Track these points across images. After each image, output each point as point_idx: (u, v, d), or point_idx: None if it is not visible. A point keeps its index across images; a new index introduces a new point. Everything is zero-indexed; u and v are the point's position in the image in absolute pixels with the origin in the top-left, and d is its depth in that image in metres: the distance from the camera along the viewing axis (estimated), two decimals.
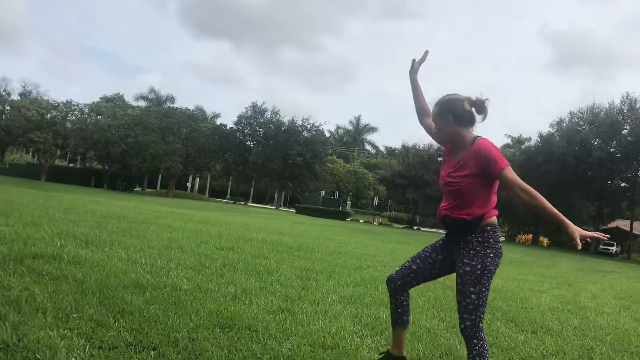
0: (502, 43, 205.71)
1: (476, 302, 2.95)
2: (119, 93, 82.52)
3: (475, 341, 2.99)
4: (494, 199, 3.08)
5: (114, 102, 76.21)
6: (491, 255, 2.98)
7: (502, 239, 45.71)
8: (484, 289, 2.96)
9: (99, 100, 76.32)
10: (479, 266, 2.96)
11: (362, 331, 4.32)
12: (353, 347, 3.82)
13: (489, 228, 3.01)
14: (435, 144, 48.13)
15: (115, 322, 3.59)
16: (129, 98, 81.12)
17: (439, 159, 54.99)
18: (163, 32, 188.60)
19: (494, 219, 3.05)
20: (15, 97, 65.55)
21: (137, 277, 5.17)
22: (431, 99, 3.29)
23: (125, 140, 56.70)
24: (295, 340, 3.76)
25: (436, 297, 6.66)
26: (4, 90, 65.58)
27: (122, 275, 5.13)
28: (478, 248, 2.98)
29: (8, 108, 58.76)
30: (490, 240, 3.00)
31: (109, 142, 57.45)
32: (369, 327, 4.46)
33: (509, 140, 73.66)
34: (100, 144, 58.20)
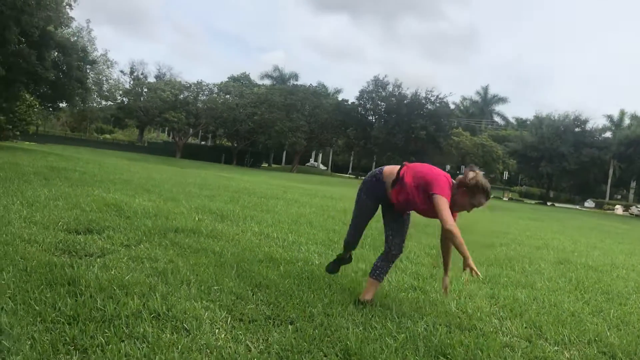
0: None
1: None
2: (245, 72, 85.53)
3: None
4: None
5: (240, 82, 79.18)
6: None
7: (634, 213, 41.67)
8: None
9: (227, 80, 79.66)
10: None
11: (500, 313, 4.12)
12: (492, 329, 3.64)
13: None
14: (572, 114, 44.62)
15: (253, 295, 3.70)
16: (255, 77, 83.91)
17: (576, 129, 51.18)
18: (282, 10, 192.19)
19: None
20: (151, 79, 70.53)
21: (270, 251, 5.32)
22: None
23: (252, 118, 58.95)
24: (431, 319, 3.65)
25: (578, 278, 6.21)
26: (142, 74, 70.78)
27: (256, 249, 5.30)
28: None
29: (146, 90, 63.25)
30: None
31: (237, 120, 60.02)
32: (507, 309, 4.24)
33: None
34: (229, 122, 60.96)
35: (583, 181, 55.43)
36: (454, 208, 3.74)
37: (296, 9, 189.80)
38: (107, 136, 76.56)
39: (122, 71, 69.26)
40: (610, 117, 62.59)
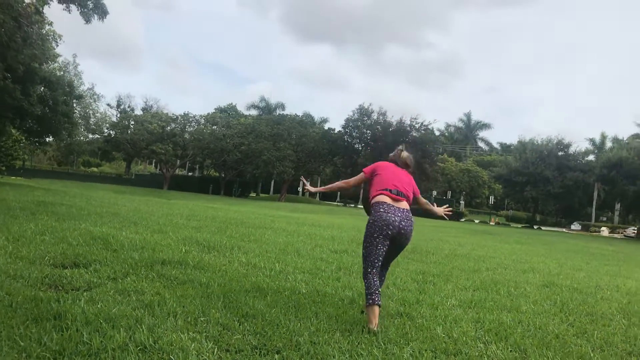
0: (621, 32, 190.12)
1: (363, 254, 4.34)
2: (232, 103, 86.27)
3: (365, 282, 4.19)
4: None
5: (227, 112, 79.68)
6: (370, 221, 4.34)
7: (620, 235, 42.34)
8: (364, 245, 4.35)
9: (214, 111, 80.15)
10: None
11: (485, 337, 4.15)
12: (477, 353, 3.68)
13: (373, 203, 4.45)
14: (555, 138, 45.36)
15: (240, 325, 3.72)
16: (241, 108, 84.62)
17: (560, 153, 51.87)
18: (267, 41, 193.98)
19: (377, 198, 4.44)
20: (138, 112, 70.75)
21: (257, 280, 5.34)
22: None
23: (239, 148, 59.14)
24: (417, 345, 3.68)
25: (563, 300, 6.27)
26: (129, 106, 71.03)
27: (243, 280, 5.32)
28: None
29: (133, 123, 63.38)
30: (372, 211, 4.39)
31: (224, 151, 60.17)
32: (492, 333, 4.28)
33: (637, 130, 67.96)
34: (216, 152, 61.10)
35: (568, 204, 55.90)
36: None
37: (280, 39, 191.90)
38: (95, 169, 76.32)
39: (109, 104, 69.72)
40: (592, 141, 63.61)
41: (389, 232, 4.21)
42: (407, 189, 4.56)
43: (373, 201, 4.43)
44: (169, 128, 62.79)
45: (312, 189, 4.85)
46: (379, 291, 4.10)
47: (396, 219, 4.26)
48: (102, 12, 20.02)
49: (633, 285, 8.62)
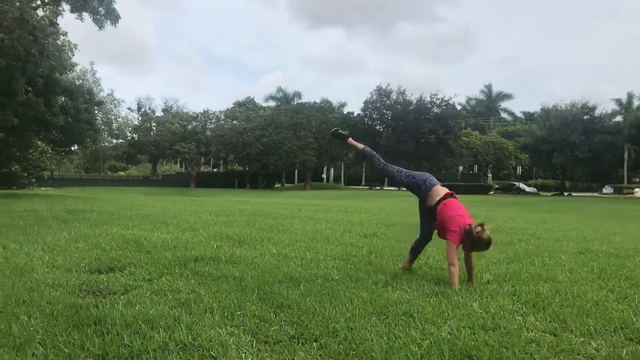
0: None
1: None
2: (249, 97, 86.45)
3: None
4: None
5: (246, 106, 79.95)
6: None
7: None
8: None
9: (233, 105, 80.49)
10: None
11: (523, 309, 4.11)
12: (515, 326, 3.64)
13: None
14: (579, 102, 44.67)
15: (276, 316, 3.75)
16: (259, 100, 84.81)
17: (585, 117, 50.93)
18: (278, 30, 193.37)
19: None
20: (159, 113, 71.42)
21: (289, 271, 5.36)
22: None
23: (261, 141, 59.41)
24: (454, 323, 3.66)
25: (600, 266, 6.18)
26: (149, 109, 71.77)
27: (275, 271, 5.35)
28: None
29: (154, 124, 64.11)
30: None
31: (246, 144, 60.52)
32: (530, 305, 4.23)
33: None
34: (239, 146, 61.49)
35: (598, 168, 54.79)
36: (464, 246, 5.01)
37: (292, 29, 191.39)
38: (122, 173, 77.48)
39: (129, 108, 70.57)
40: (619, 101, 62.07)
41: None
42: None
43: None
44: (190, 127, 63.38)
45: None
46: None
47: None
48: (114, 17, 20.15)
49: None
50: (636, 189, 50.65)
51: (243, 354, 3.02)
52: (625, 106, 60.69)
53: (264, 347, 3.15)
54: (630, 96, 61.27)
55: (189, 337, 3.23)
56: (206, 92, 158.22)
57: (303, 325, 3.54)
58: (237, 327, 3.49)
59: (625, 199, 40.65)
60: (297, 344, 3.21)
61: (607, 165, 54.42)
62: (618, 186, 56.34)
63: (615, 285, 5.07)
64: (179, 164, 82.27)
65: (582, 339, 3.42)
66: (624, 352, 3.12)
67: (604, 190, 56.81)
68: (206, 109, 67.21)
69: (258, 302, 4.10)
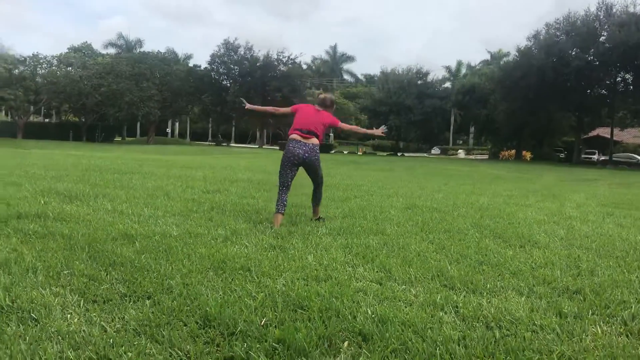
0: None
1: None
2: (86, 42, 79.42)
3: (277, 196, 5.89)
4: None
5: (82, 52, 73.57)
6: (283, 153, 5.89)
7: (474, 156, 46.35)
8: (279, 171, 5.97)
9: (67, 51, 73.65)
10: None
11: (354, 261, 4.38)
12: (346, 277, 3.87)
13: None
14: (414, 67, 47.85)
15: (107, 275, 3.60)
16: (98, 46, 78.53)
17: (419, 82, 54.55)
18: None
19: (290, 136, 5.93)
20: None
21: (125, 228, 5.15)
22: None
23: (99, 90, 55.31)
24: (289, 275, 3.80)
25: (424, 220, 6.75)
26: None
27: (109, 228, 5.11)
28: None
29: None
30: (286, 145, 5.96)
31: (82, 94, 55.99)
32: (360, 257, 4.52)
33: (488, 57, 72.87)
34: (74, 96, 56.70)
35: (428, 130, 59.32)
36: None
37: None
38: None
39: None
40: (448, 68, 67.29)
41: (295, 161, 5.81)
42: (317, 127, 5.86)
43: (289, 138, 5.91)
44: (16, 71, 56.90)
45: (250, 106, 6.54)
46: (283, 204, 5.79)
47: (301, 152, 5.77)
48: None
49: (485, 201, 9.48)
50: (459, 151, 55.83)
51: (68, 315, 2.87)
52: (454, 73, 66.01)
53: (92, 307, 3.01)
54: (459, 64, 66.69)
55: (7, 299, 2.99)
56: (35, 34, 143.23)
57: (136, 283, 3.44)
58: (63, 287, 3.30)
59: (449, 159, 44.57)
60: (129, 302, 3.12)
61: (436, 128, 59.12)
62: (444, 147, 61.64)
63: (435, 237, 5.57)
64: (3, 112, 74.08)
65: (404, 286, 3.73)
66: (438, 297, 3.46)
67: (433, 151, 61.85)
68: (36, 52, 60.88)
69: (88, 261, 3.90)
